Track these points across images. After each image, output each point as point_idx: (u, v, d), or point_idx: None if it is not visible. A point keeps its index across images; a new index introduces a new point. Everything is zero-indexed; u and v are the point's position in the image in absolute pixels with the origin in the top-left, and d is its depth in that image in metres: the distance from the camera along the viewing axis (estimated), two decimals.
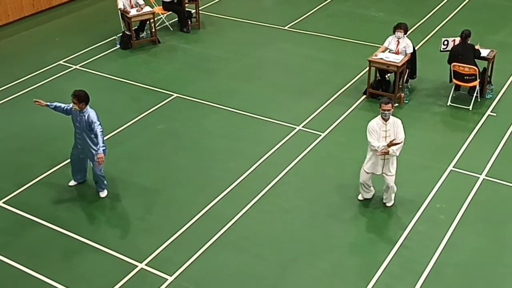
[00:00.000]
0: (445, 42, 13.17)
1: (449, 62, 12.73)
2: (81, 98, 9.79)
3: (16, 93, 13.72)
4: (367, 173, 9.83)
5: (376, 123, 9.56)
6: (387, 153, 9.41)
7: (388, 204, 10.09)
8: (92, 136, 9.96)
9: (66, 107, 10.14)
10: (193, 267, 9.03)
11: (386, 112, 9.42)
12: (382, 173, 9.75)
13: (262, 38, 16.17)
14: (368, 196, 10.20)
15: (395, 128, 9.52)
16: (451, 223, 9.71)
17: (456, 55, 12.57)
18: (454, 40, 13.02)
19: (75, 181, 10.69)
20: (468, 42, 12.59)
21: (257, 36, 16.34)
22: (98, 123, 9.82)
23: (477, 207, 10.08)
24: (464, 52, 12.54)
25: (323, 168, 11.13)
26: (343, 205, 10.16)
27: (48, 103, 10.24)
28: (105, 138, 11.78)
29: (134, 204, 10.32)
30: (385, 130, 9.51)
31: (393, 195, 10.03)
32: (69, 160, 10.70)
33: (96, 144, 9.94)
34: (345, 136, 11.98)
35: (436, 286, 8.65)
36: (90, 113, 9.85)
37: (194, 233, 9.66)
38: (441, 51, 13.32)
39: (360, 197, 10.22)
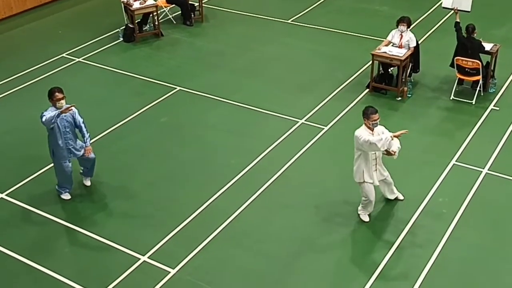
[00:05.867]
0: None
1: (456, 53, 12.68)
2: (62, 89, 9.62)
3: (18, 86, 13.72)
4: (372, 184, 9.39)
5: (362, 132, 9.15)
6: (391, 154, 9.10)
7: (401, 198, 10.00)
8: (74, 128, 9.87)
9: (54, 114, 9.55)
10: (195, 261, 9.05)
11: (377, 121, 9.10)
12: (382, 179, 9.59)
13: (265, 32, 16.14)
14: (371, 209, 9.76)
15: (380, 135, 9.13)
16: (453, 217, 9.71)
17: (465, 49, 12.52)
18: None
19: (69, 193, 10.31)
20: (474, 36, 12.55)
21: (260, 29, 16.31)
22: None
23: (479, 201, 10.07)
24: (472, 47, 12.49)
25: (325, 162, 11.13)
26: (345, 199, 10.14)
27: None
28: (108, 131, 12.01)
29: (137, 197, 10.33)
30: None
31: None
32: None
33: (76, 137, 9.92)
34: (347, 129, 11.88)
35: (439, 281, 8.65)
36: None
37: (197, 226, 9.67)
38: (443, 7, 13.39)
39: (365, 218, 9.74)
